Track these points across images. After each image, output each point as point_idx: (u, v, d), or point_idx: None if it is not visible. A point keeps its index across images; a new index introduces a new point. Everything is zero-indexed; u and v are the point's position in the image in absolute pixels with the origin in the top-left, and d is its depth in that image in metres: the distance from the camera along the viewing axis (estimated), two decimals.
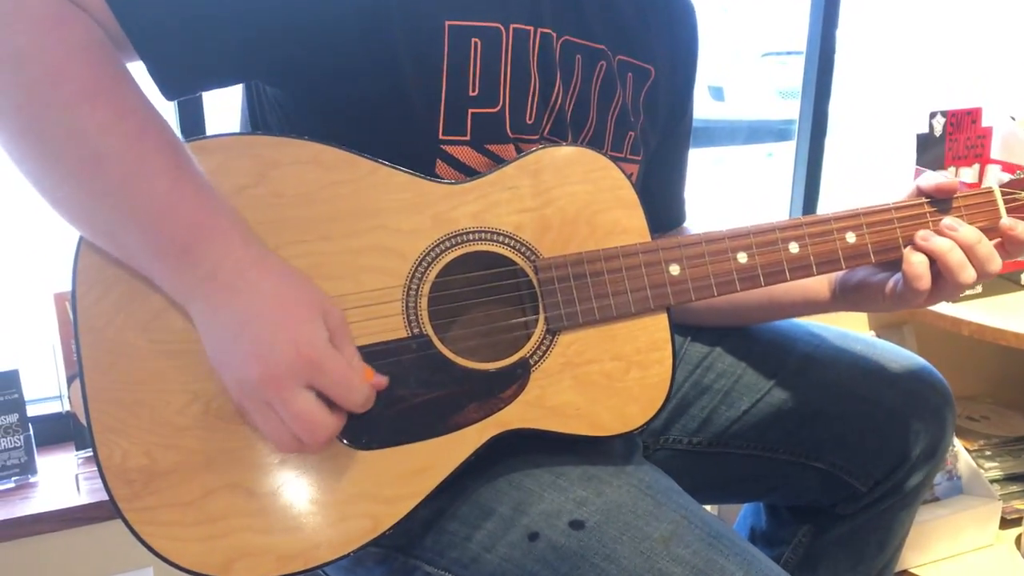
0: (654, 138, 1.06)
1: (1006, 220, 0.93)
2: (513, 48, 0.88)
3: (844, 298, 1.00)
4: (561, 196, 0.88)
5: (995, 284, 1.69)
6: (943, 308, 1.62)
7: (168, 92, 0.82)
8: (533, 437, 0.86)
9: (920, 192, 0.94)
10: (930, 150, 1.75)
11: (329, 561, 0.80)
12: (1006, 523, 1.74)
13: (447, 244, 0.85)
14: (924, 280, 0.90)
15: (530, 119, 0.90)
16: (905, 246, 0.92)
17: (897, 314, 1.73)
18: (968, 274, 0.90)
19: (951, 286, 0.91)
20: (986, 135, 1.80)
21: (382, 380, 0.80)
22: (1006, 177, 1.70)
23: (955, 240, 0.90)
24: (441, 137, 0.87)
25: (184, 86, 0.83)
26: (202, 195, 0.75)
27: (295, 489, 0.80)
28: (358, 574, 0.93)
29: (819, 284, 1.01)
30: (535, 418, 0.86)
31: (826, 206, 2.11)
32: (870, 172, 2.11)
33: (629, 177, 0.99)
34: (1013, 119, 1.83)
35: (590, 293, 0.87)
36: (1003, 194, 0.94)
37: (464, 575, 0.86)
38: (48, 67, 0.71)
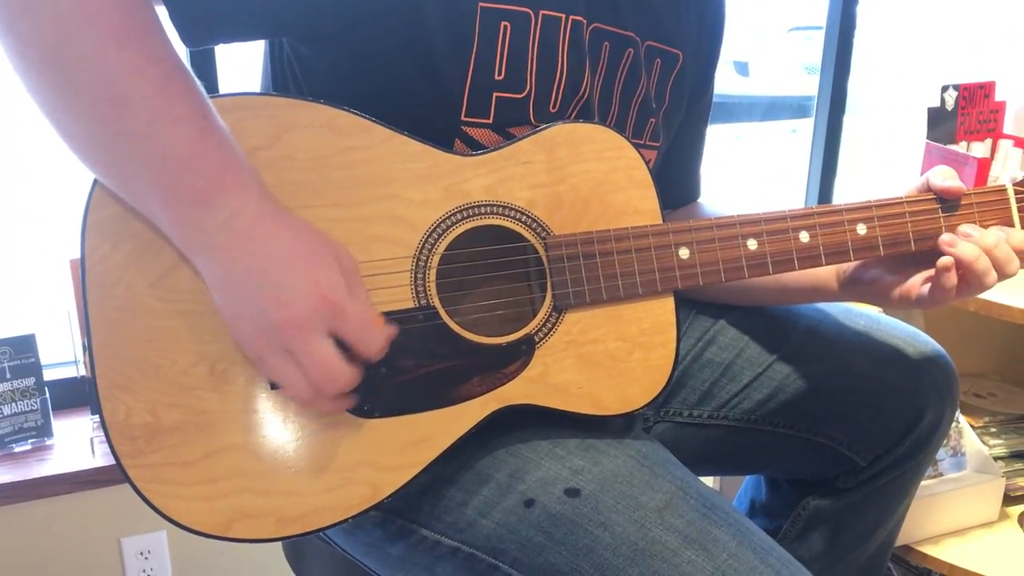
0: (678, 120, 1.06)
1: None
2: (542, 34, 0.87)
3: (853, 290, 1.01)
4: (575, 173, 0.87)
5: None
6: None
7: (187, 38, 0.81)
8: (534, 412, 0.87)
9: (929, 188, 0.94)
10: (942, 124, 1.74)
11: (328, 525, 0.81)
12: (1010, 500, 1.75)
13: (458, 216, 0.85)
14: (953, 289, 0.92)
15: (554, 107, 0.90)
16: (916, 240, 0.92)
17: None
18: (992, 279, 0.91)
19: (973, 290, 0.92)
20: (999, 109, 1.79)
21: (393, 328, 0.80)
22: (1018, 153, 1.71)
23: (979, 246, 0.91)
24: (463, 118, 0.86)
25: (203, 33, 0.82)
26: (225, 147, 0.74)
27: (297, 453, 0.81)
28: (357, 536, 0.94)
29: (827, 273, 1.01)
30: (537, 395, 0.86)
31: (843, 183, 2.11)
32: (888, 148, 2.10)
33: (647, 163, 0.99)
34: None
35: (598, 273, 0.87)
36: (1016, 192, 0.93)
37: (460, 539, 0.87)
38: (82, 3, 0.70)
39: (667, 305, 0.89)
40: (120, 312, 0.78)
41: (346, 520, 0.82)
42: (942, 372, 1.11)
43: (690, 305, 1.14)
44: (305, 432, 0.81)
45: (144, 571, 1.65)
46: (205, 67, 1.56)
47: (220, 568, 1.70)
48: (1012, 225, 0.94)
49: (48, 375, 1.53)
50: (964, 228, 0.92)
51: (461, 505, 0.87)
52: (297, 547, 1.10)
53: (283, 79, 0.92)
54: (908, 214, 0.92)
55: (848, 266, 1.00)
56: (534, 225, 0.87)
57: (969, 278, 0.91)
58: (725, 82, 5.26)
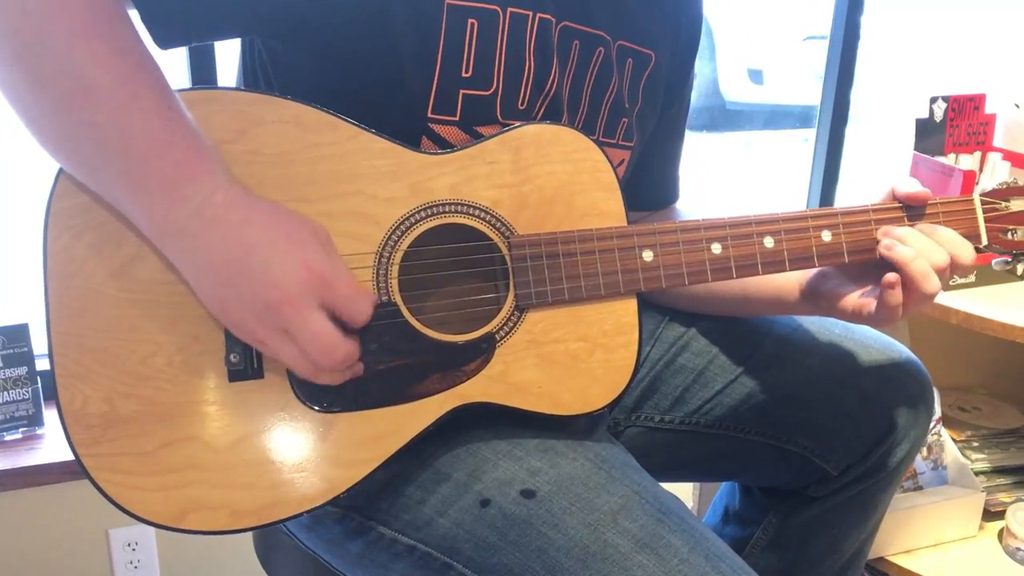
0: (652, 122, 1.06)
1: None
2: (510, 32, 0.87)
3: (813, 302, 1.00)
4: (540, 174, 0.88)
5: (989, 273, 1.65)
6: None
7: (159, 39, 0.81)
8: (496, 411, 0.87)
9: (895, 196, 0.94)
10: (930, 136, 1.73)
11: (283, 519, 0.81)
12: (991, 516, 1.74)
13: (423, 214, 0.85)
14: (899, 306, 0.90)
15: (522, 104, 0.90)
16: None
17: None
18: (933, 283, 0.89)
19: (916, 299, 0.90)
20: (989, 122, 1.78)
21: (375, 295, 0.82)
22: (1006, 166, 1.70)
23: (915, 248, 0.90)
24: (430, 115, 0.87)
25: (174, 33, 0.83)
26: (191, 138, 0.75)
27: (253, 447, 0.81)
28: (317, 532, 0.94)
29: (790, 284, 1.01)
30: (497, 393, 0.86)
31: (845, 192, 2.11)
32: (886, 158, 2.10)
33: (620, 163, 1.00)
34: (1018, 107, 1.82)
35: (561, 273, 0.87)
36: (983, 203, 0.94)
37: (417, 537, 0.87)
38: None
39: (630, 307, 0.89)
40: (79, 301, 0.78)
41: (301, 514, 0.82)
42: (916, 382, 1.10)
43: (664, 311, 1.15)
44: (262, 425, 0.81)
45: (131, 562, 1.65)
46: (204, 62, 1.57)
47: (207, 560, 1.71)
48: (979, 236, 0.94)
49: (40, 364, 1.53)
50: (898, 231, 0.91)
51: (418, 503, 0.88)
52: (265, 541, 1.10)
53: (255, 76, 0.92)
54: (873, 221, 0.92)
55: (810, 278, 0.99)
56: (498, 225, 0.87)
57: (909, 284, 0.89)
58: (738, 89, 5.23)
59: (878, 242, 0.91)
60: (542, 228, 0.87)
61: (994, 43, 1.94)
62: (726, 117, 5.34)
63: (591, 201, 0.89)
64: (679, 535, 0.82)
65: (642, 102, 1.01)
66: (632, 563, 0.79)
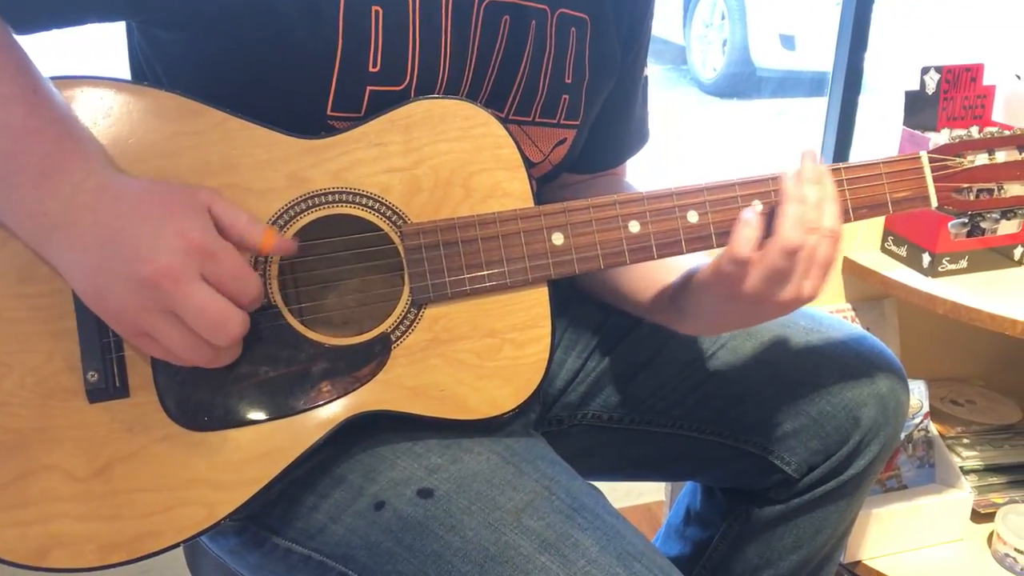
0: (607, 89, 0.96)
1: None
2: (422, 18, 0.79)
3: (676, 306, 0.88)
4: (434, 154, 0.79)
5: (983, 258, 1.53)
6: (918, 282, 1.49)
7: (18, 23, 0.73)
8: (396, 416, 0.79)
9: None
10: (921, 110, 1.62)
11: (156, 551, 0.74)
12: (979, 517, 1.62)
13: (302, 206, 0.77)
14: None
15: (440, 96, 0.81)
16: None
17: (877, 287, 1.61)
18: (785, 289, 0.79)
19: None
20: (987, 94, 1.66)
21: (290, 244, 0.74)
22: None
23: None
24: (329, 113, 0.78)
25: (38, 17, 0.75)
26: (61, 122, 0.69)
27: (120, 473, 0.73)
28: (220, 543, 0.88)
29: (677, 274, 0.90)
30: (394, 399, 0.78)
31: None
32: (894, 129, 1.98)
33: (561, 143, 0.91)
34: (1019, 77, 1.70)
35: (461, 263, 0.79)
36: (931, 161, 0.84)
37: (311, 546, 0.81)
38: None
39: (540, 296, 0.81)
40: None
41: (178, 545, 0.74)
42: (886, 378, 1.01)
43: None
44: (129, 449, 0.74)
45: None
46: None
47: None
48: (927, 198, 0.84)
49: None
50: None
51: (312, 510, 0.81)
52: (192, 548, 1.03)
53: (140, 68, 0.85)
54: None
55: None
56: (389, 213, 0.78)
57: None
58: (770, 56, 5.09)
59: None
60: (438, 214, 0.79)
61: (993, 11, 1.82)
62: (757, 84, 5.21)
63: (493, 181, 0.80)
64: (590, 533, 0.74)
65: (591, 74, 0.92)
66: (534, 565, 0.72)
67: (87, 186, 0.68)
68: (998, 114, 1.66)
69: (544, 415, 1.01)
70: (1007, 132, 0.85)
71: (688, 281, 0.85)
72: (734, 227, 0.79)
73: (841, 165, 0.84)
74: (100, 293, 0.69)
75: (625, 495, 1.86)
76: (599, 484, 0.86)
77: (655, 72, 5.63)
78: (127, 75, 0.89)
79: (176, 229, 0.68)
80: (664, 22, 5.58)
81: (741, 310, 0.83)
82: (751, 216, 0.79)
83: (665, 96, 5.23)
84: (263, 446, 0.76)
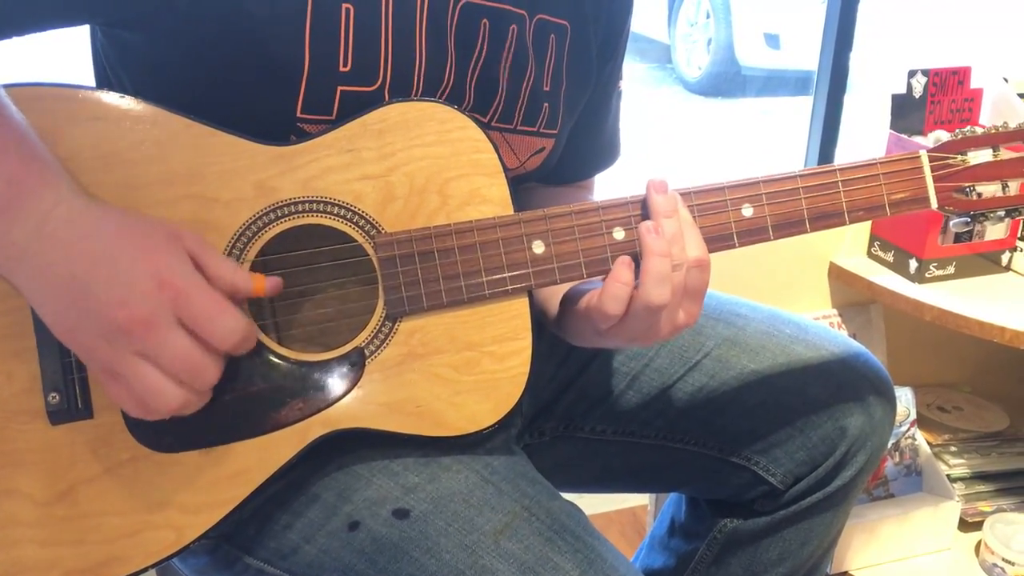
0: (584, 98, 0.94)
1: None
2: (395, 16, 0.76)
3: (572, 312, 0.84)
4: (409, 160, 0.76)
5: (970, 263, 1.49)
6: (904, 288, 1.46)
7: None
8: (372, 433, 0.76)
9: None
10: (909, 113, 1.60)
11: None
12: (967, 526, 1.60)
13: (271, 216, 0.74)
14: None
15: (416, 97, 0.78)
16: (810, 221, 0.81)
17: (863, 293, 1.58)
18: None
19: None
20: (975, 98, 1.65)
21: (277, 281, 0.72)
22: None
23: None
24: (299, 115, 0.76)
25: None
26: (24, 145, 0.66)
27: (85, 496, 0.71)
28: (190, 563, 0.85)
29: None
30: (369, 416, 0.75)
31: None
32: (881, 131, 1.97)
33: (539, 152, 0.88)
34: (1006, 80, 1.68)
35: (437, 274, 0.76)
36: (931, 159, 0.81)
37: (283, 567, 0.78)
38: None
39: (520, 307, 0.78)
40: None
41: (145, 569, 0.71)
42: (871, 386, 0.99)
43: None
44: (93, 472, 0.71)
45: None
46: None
47: None
48: (927, 199, 0.82)
49: None
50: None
51: (285, 529, 0.78)
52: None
53: (103, 72, 0.82)
54: (802, 189, 0.81)
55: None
56: (362, 223, 0.75)
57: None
58: (755, 55, 5.07)
59: (808, 213, 0.80)
60: (413, 223, 0.76)
61: (980, 13, 1.81)
62: (742, 83, 5.20)
63: (471, 188, 0.77)
64: (569, 557, 0.72)
65: (568, 81, 0.89)
66: None
67: (56, 215, 0.64)
68: (986, 118, 1.65)
69: (526, 427, 0.99)
70: (1012, 127, 0.83)
71: (567, 306, 0.83)
72: (605, 282, 0.76)
73: (837, 166, 0.81)
74: (69, 330, 0.66)
75: (610, 499, 1.84)
76: (582, 494, 0.84)
77: (639, 71, 5.61)
78: (91, 81, 0.86)
79: (150, 270, 0.65)
80: (649, 21, 5.57)
81: (620, 342, 0.80)
82: (624, 272, 0.76)
83: (650, 95, 5.22)
84: (232, 467, 0.73)
